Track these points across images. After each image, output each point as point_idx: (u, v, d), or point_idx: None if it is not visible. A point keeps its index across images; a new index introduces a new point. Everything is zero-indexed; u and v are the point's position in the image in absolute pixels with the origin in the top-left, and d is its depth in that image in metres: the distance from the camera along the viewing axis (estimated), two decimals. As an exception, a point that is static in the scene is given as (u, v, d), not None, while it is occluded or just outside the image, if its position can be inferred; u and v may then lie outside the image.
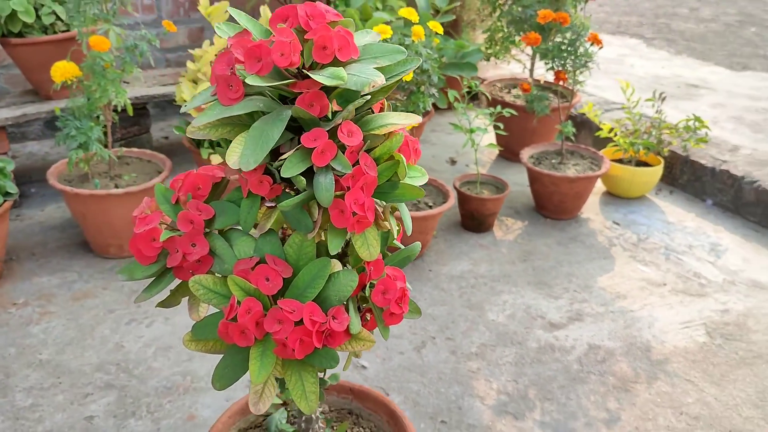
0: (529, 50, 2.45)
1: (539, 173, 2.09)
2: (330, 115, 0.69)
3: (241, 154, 0.67)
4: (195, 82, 1.88)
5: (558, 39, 2.04)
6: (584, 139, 2.63)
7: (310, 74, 0.67)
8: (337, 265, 0.74)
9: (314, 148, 0.67)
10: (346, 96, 0.72)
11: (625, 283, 1.86)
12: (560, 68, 2.02)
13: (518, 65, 2.83)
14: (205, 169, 0.81)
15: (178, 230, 0.77)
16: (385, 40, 1.87)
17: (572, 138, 2.20)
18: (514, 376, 1.50)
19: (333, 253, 0.71)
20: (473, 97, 2.84)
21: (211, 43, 1.90)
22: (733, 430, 1.38)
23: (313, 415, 0.95)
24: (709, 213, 2.26)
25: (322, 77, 0.66)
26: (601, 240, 2.08)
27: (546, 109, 2.20)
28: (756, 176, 2.23)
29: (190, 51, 1.93)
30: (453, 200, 1.91)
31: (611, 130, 2.28)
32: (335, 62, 0.70)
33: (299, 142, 0.71)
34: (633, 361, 1.56)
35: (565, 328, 1.67)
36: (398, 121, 0.71)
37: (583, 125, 2.62)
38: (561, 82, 2.07)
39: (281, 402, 1.07)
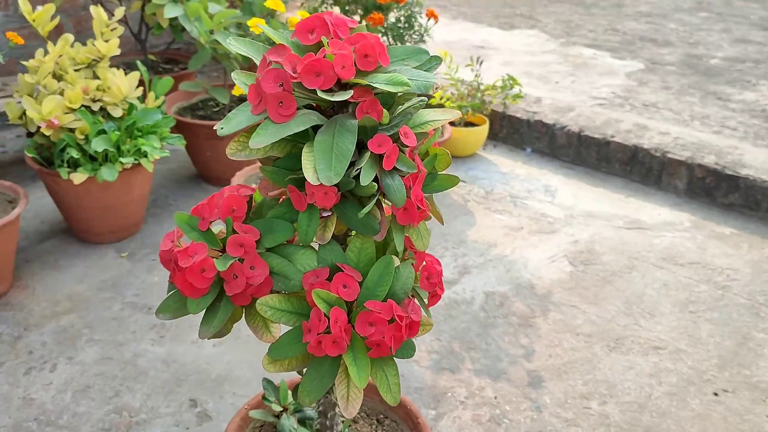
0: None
1: (393, 145, 2.21)
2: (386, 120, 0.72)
3: (316, 169, 0.67)
4: (32, 95, 1.68)
5: (392, 18, 2.16)
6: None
7: (369, 83, 0.69)
8: (396, 261, 0.77)
9: (381, 153, 0.70)
10: (382, 100, 0.75)
11: (491, 233, 2.06)
12: (399, 44, 2.14)
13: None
14: (232, 189, 0.79)
15: (219, 256, 0.75)
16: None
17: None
18: (435, 335, 1.62)
19: (400, 249, 0.75)
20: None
21: (46, 53, 1.70)
22: (618, 338, 1.64)
23: (337, 410, 0.98)
24: (531, 159, 2.57)
25: (381, 84, 0.69)
26: (456, 198, 2.26)
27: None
28: (563, 122, 2.57)
29: (23, 63, 1.71)
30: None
31: (441, 96, 2.47)
32: (377, 68, 0.72)
33: (357, 150, 0.73)
34: (525, 299, 1.76)
35: (459, 283, 1.82)
36: (439, 117, 0.76)
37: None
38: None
39: (281, 408, 1.08)
